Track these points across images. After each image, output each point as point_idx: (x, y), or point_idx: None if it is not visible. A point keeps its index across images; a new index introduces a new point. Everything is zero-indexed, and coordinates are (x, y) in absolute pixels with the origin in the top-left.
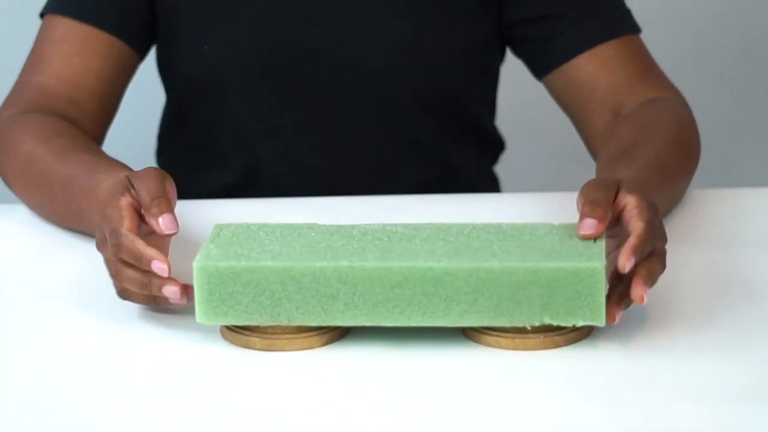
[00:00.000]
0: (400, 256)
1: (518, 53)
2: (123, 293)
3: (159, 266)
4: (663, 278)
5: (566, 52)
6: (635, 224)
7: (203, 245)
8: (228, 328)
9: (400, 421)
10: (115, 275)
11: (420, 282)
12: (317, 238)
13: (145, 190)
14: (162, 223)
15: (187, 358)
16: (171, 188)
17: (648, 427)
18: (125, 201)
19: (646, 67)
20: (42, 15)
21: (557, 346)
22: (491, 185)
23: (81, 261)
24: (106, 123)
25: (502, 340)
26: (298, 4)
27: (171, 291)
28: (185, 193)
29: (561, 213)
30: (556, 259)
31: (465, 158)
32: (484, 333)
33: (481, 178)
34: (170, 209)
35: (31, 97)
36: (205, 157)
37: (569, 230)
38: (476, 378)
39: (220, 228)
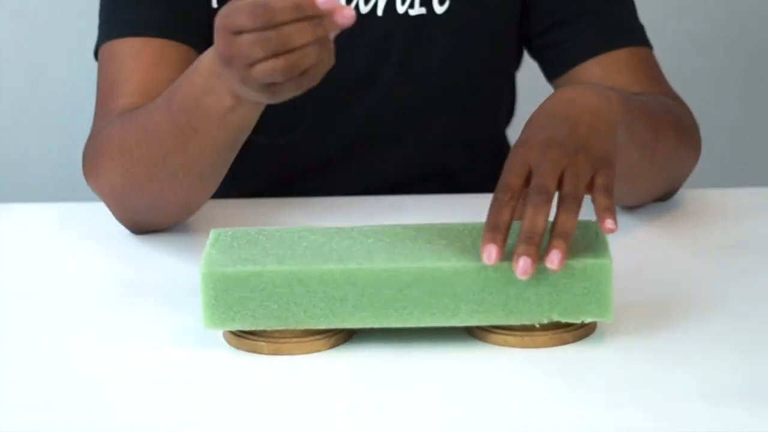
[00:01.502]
0: (407, 258)
1: (533, 57)
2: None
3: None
4: (662, 278)
5: (575, 57)
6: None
7: (205, 251)
8: (233, 333)
9: (406, 423)
10: (264, 65)
11: (429, 283)
12: (319, 241)
13: None
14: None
15: (191, 362)
16: None
17: (648, 427)
18: None
19: (653, 77)
20: (97, 48)
21: (565, 342)
22: None
23: (81, 261)
24: None
25: (510, 339)
26: None
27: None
28: None
29: None
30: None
31: (479, 169)
32: (492, 332)
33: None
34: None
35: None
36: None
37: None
38: (481, 378)
39: (217, 233)
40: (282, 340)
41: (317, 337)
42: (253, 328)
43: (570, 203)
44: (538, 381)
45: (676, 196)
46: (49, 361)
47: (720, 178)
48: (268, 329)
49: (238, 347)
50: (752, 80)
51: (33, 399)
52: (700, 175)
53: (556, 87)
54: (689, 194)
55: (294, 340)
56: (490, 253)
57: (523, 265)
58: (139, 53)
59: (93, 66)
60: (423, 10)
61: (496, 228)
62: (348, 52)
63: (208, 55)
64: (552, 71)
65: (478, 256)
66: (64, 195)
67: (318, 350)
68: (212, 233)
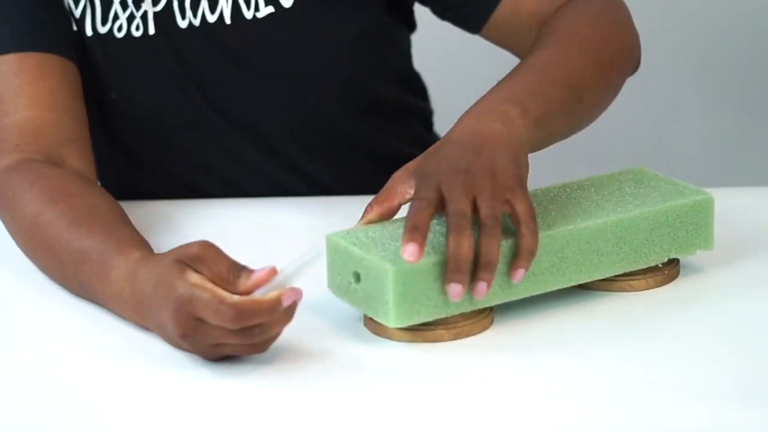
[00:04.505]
0: (557, 222)
1: (444, 19)
2: (220, 351)
3: (291, 296)
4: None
5: (485, 9)
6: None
7: (354, 253)
8: (404, 328)
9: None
10: (229, 346)
11: (578, 241)
12: (436, 228)
13: (223, 266)
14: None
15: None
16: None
17: (648, 427)
18: (196, 278)
19: None
20: None
21: (672, 279)
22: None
23: None
24: (88, 137)
25: (635, 283)
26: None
27: (298, 294)
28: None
29: None
30: (674, 198)
31: (391, 137)
32: (614, 281)
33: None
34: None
35: (15, 140)
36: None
37: (636, 175)
38: (469, 379)
39: (335, 237)
40: (459, 325)
41: (482, 315)
42: (435, 318)
43: (491, 226)
44: (527, 382)
45: None
46: (50, 361)
47: (720, 178)
48: (447, 315)
49: (412, 341)
50: (753, 80)
51: (34, 400)
52: (700, 175)
53: (483, 37)
54: None
55: (466, 322)
56: (412, 251)
57: (454, 290)
58: (21, 69)
59: None
60: (271, 9)
61: (415, 229)
62: (210, 67)
63: (127, 283)
64: (470, 28)
65: (609, 211)
66: None
67: (486, 328)
68: (330, 238)
